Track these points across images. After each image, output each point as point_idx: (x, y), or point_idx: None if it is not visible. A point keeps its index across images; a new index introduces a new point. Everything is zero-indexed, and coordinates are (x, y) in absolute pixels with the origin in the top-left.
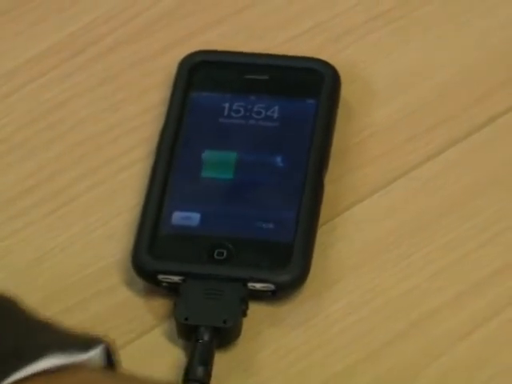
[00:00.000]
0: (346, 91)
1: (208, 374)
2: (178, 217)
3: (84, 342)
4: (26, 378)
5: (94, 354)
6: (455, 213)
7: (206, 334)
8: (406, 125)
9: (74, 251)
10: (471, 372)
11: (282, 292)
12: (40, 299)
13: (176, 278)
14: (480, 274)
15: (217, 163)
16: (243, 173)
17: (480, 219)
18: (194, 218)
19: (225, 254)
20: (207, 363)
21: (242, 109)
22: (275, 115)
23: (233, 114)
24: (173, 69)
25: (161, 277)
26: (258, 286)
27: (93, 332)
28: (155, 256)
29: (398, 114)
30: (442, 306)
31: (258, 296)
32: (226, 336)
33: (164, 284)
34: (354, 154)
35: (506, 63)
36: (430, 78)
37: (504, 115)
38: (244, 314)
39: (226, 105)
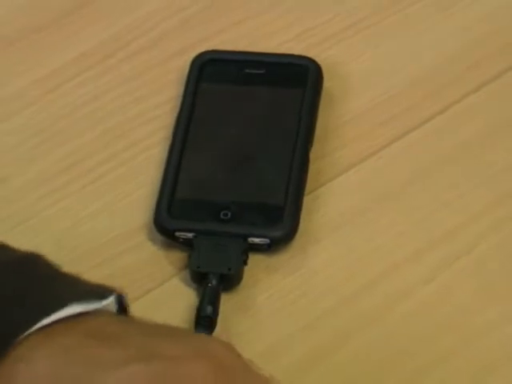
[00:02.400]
0: (327, 84)
1: (215, 312)
2: (191, 186)
3: (99, 292)
4: (52, 324)
5: (109, 302)
6: (415, 185)
7: (214, 280)
8: (376, 112)
9: (104, 218)
10: (431, 312)
11: (275, 245)
12: (75, 257)
13: (190, 235)
14: (435, 234)
15: (222, 142)
16: (243, 149)
17: (435, 190)
18: (202, 187)
19: (229, 214)
20: (215, 303)
21: (242, 97)
22: (269, 102)
23: (235, 102)
24: (186, 69)
25: (177, 234)
26: (256, 240)
27: (108, 283)
28: (173, 217)
29: (370, 103)
30: (403, 260)
31: (256, 249)
32: (230, 281)
33: (180, 240)
34: (333, 136)
35: (456, 64)
36: (395, 75)
37: (457, 104)
38: (245, 263)
39: (230, 94)
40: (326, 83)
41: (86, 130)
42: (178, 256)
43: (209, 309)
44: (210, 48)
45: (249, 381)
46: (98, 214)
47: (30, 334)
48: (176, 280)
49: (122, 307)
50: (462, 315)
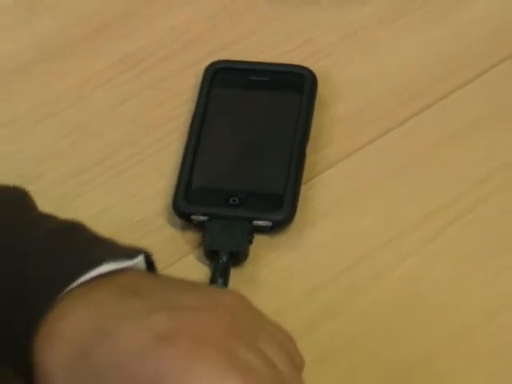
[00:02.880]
0: (321, 90)
1: (226, 284)
2: (205, 176)
3: (130, 253)
4: (89, 280)
5: (138, 261)
6: (396, 177)
7: (224, 256)
8: (362, 114)
9: (130, 204)
10: (411, 285)
11: (276, 227)
12: None
13: (203, 218)
14: (413, 218)
15: (231, 138)
16: (249, 144)
17: (412, 181)
18: (214, 177)
19: (237, 201)
20: (225, 277)
21: (248, 100)
22: (272, 105)
23: (242, 104)
24: (200, 76)
25: (193, 217)
26: (260, 223)
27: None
28: (189, 202)
29: (357, 106)
30: (387, 241)
31: (260, 230)
32: (237, 258)
33: (195, 222)
34: (326, 134)
35: (430, 75)
36: (378, 83)
37: (429, 108)
38: (250, 243)
39: (238, 97)
40: (320, 89)
41: (115, 129)
42: (194, 236)
43: (220, 282)
44: (221, 58)
45: (261, 327)
46: (125, 201)
47: (70, 290)
48: (192, 257)
49: (150, 265)
50: (439, 288)
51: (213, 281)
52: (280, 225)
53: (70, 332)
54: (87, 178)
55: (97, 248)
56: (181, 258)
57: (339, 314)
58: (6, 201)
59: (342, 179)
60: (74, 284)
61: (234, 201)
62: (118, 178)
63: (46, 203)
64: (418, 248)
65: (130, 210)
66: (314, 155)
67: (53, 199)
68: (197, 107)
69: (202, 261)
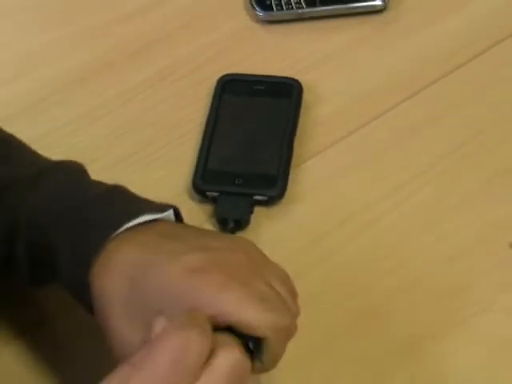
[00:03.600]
0: (306, 96)
1: None
2: (217, 161)
3: (163, 207)
4: (133, 226)
5: (169, 214)
6: (363, 165)
7: (231, 223)
8: (339, 115)
9: (160, 184)
10: (382, 243)
11: (271, 201)
12: None
13: (215, 194)
14: (376, 193)
15: (237, 133)
16: (251, 138)
17: (376, 166)
18: (224, 161)
19: (241, 181)
20: None
21: (250, 104)
22: (269, 108)
23: (246, 107)
24: (213, 86)
25: (208, 193)
26: (259, 197)
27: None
28: (205, 182)
29: (334, 109)
30: (358, 211)
31: (259, 203)
32: (241, 225)
33: (209, 197)
34: (309, 130)
35: (394, 81)
36: (351, 91)
37: (393, 109)
38: (251, 213)
39: (243, 102)
40: (305, 96)
41: (147, 128)
42: (208, 208)
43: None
44: (230, 72)
45: (268, 266)
46: (156, 182)
47: (119, 233)
48: (207, 224)
49: (179, 218)
50: (400, 244)
51: None
52: (274, 199)
53: (122, 263)
54: (127, 164)
55: (137, 203)
56: (200, 224)
57: (322, 265)
58: (71, 165)
59: (323, 166)
60: (122, 228)
61: (239, 181)
62: (150, 164)
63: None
64: (381, 214)
65: (160, 189)
66: (300, 147)
67: (102, 178)
68: (211, 109)
69: (215, 227)
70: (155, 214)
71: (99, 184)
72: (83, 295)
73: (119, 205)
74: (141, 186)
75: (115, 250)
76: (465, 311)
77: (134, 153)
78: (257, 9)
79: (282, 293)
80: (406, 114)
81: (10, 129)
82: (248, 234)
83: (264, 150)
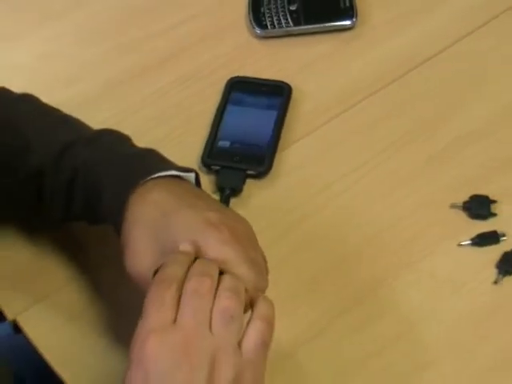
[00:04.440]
0: (294, 95)
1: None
2: (221, 143)
3: (189, 169)
4: (164, 177)
5: (191, 175)
6: (336, 149)
7: (227, 191)
8: (319, 108)
9: (178, 161)
10: (353, 214)
11: (260, 175)
12: None
13: (217, 167)
14: (347, 167)
15: (236, 123)
16: (249, 126)
17: (345, 150)
18: (226, 143)
19: (238, 158)
20: (227, 204)
21: (252, 100)
22: (266, 104)
23: (248, 103)
24: (223, 88)
25: (212, 167)
26: (250, 172)
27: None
28: (210, 158)
29: (315, 104)
30: (332, 182)
31: (251, 176)
32: (235, 192)
33: (213, 170)
34: (294, 125)
35: (364, 82)
36: (328, 90)
37: (358, 104)
38: (244, 183)
39: (246, 99)
40: (293, 95)
41: (174, 118)
42: (212, 178)
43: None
44: (237, 75)
45: (254, 242)
46: (176, 157)
47: (154, 178)
48: (209, 190)
49: (198, 184)
50: (367, 203)
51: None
52: (262, 174)
53: (155, 199)
54: (160, 144)
55: (169, 162)
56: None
57: (303, 225)
58: (119, 132)
59: (305, 148)
60: (156, 175)
61: (236, 158)
62: (174, 144)
63: None
64: (350, 185)
65: (178, 162)
66: (288, 133)
67: None
68: (220, 103)
69: (216, 193)
70: (182, 172)
71: (139, 147)
72: (118, 220)
73: (155, 160)
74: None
75: (150, 189)
76: (413, 257)
77: (165, 136)
78: (255, 27)
79: (263, 263)
80: (369, 108)
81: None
82: (241, 199)
83: (258, 135)
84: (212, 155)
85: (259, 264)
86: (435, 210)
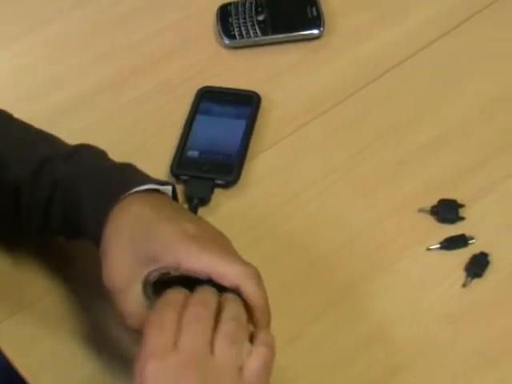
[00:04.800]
0: (263, 104)
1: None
2: (190, 152)
3: (165, 182)
4: (141, 191)
5: (168, 188)
6: (304, 158)
7: (196, 200)
8: (287, 117)
9: (148, 170)
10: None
11: (228, 185)
12: None
13: (186, 177)
14: (316, 173)
15: (205, 133)
16: (217, 135)
17: (314, 157)
18: (195, 153)
19: (206, 168)
20: (196, 213)
21: (222, 110)
22: (234, 113)
23: (218, 112)
24: (194, 94)
25: (181, 177)
26: (219, 181)
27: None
28: (179, 168)
29: (283, 113)
30: (300, 191)
31: (219, 186)
32: (204, 203)
33: (182, 179)
34: (263, 134)
35: (331, 89)
36: (295, 99)
37: (325, 113)
38: (212, 193)
39: (215, 108)
40: (262, 104)
41: (147, 128)
42: (181, 188)
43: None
44: (207, 85)
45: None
46: (145, 167)
47: (132, 192)
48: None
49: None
50: (340, 208)
51: None
52: (230, 183)
53: (134, 212)
54: (131, 154)
55: (146, 176)
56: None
57: (270, 236)
58: (96, 147)
59: (272, 158)
60: (134, 190)
61: (205, 168)
62: (144, 155)
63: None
64: (321, 191)
65: (147, 171)
66: (257, 142)
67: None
68: (189, 113)
69: (184, 202)
70: (159, 185)
71: (117, 162)
72: (98, 234)
73: (133, 174)
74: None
75: (130, 202)
76: (383, 262)
77: (138, 146)
78: (224, 38)
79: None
80: (337, 116)
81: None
82: (209, 209)
83: (227, 144)
84: (181, 165)
85: (240, 261)
86: (404, 215)
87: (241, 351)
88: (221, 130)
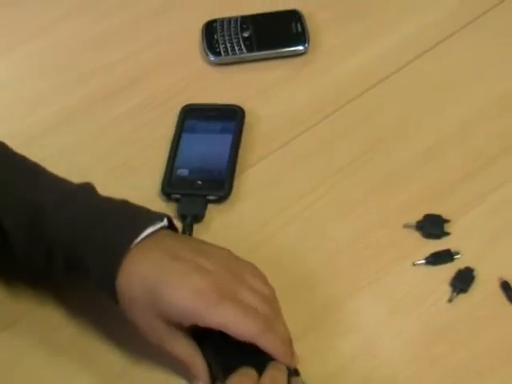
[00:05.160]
0: (247, 119)
1: (190, 234)
2: (179, 171)
3: (160, 216)
4: (141, 241)
5: (165, 222)
6: (290, 172)
7: (189, 218)
8: (274, 136)
9: (138, 190)
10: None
11: (220, 200)
12: None
13: (178, 196)
14: (303, 189)
15: (193, 151)
16: (205, 152)
17: (299, 171)
18: (185, 171)
19: (197, 185)
20: (191, 230)
21: (205, 126)
22: (220, 128)
23: (201, 128)
24: (178, 112)
25: (172, 196)
26: (211, 197)
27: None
28: (170, 187)
29: (268, 128)
30: (289, 205)
31: (212, 201)
32: (197, 219)
33: (173, 198)
34: (251, 149)
35: (309, 108)
36: (279, 116)
37: (315, 125)
38: (205, 209)
39: (201, 124)
40: (246, 119)
41: (131, 145)
42: (172, 206)
43: (187, 233)
44: (191, 102)
45: (245, 269)
46: (136, 189)
47: (132, 248)
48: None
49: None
50: (325, 223)
51: (183, 232)
52: (222, 198)
53: (140, 276)
54: (118, 173)
55: (141, 215)
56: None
57: (263, 247)
58: (85, 186)
59: (262, 172)
60: (133, 244)
61: (196, 185)
62: (129, 173)
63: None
64: (308, 206)
65: (139, 195)
66: (244, 157)
67: (99, 183)
68: (175, 131)
69: (178, 221)
70: (155, 224)
71: (108, 201)
72: (111, 297)
73: (127, 220)
74: (125, 190)
75: (133, 264)
76: (369, 277)
77: (123, 164)
78: (209, 54)
79: (262, 300)
80: (323, 131)
81: (27, 151)
82: (203, 224)
83: (216, 160)
84: (171, 184)
85: (252, 305)
86: (390, 230)
87: None
88: (208, 146)
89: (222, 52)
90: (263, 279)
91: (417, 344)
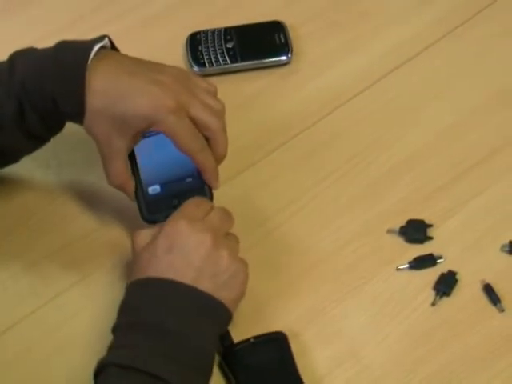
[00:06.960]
0: (232, 132)
1: None
2: (150, 190)
3: (101, 36)
4: (96, 57)
5: (106, 41)
6: (277, 185)
7: None
8: (257, 145)
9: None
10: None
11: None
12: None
13: (162, 219)
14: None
15: (154, 162)
16: (168, 166)
17: (287, 184)
18: (156, 188)
19: (177, 201)
20: None
21: (154, 133)
22: None
23: (157, 138)
24: None
25: (157, 222)
26: None
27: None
28: (151, 212)
29: (254, 140)
30: (282, 207)
31: None
32: None
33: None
34: (234, 160)
35: (294, 120)
36: (264, 124)
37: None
38: None
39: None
40: (232, 131)
41: None
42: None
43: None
44: None
45: (198, 84)
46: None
47: (91, 61)
48: None
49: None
50: (309, 231)
51: None
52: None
53: (103, 89)
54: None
55: (84, 41)
56: None
57: (246, 254)
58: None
59: (245, 183)
60: (91, 55)
61: (175, 201)
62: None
63: None
64: (290, 216)
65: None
66: (229, 167)
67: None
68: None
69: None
70: (101, 41)
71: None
72: (79, 119)
73: (75, 45)
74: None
75: (95, 80)
76: (354, 283)
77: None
78: (194, 66)
79: (210, 102)
80: (307, 140)
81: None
82: None
83: (182, 164)
84: (151, 209)
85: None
86: (373, 236)
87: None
88: (169, 153)
89: (207, 63)
90: (214, 94)
91: (401, 348)
